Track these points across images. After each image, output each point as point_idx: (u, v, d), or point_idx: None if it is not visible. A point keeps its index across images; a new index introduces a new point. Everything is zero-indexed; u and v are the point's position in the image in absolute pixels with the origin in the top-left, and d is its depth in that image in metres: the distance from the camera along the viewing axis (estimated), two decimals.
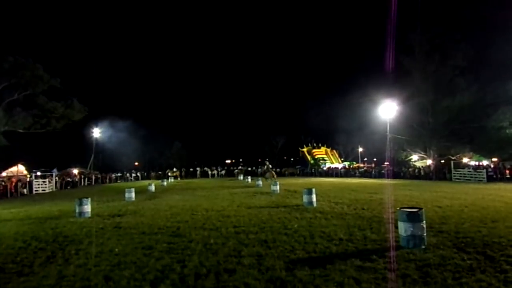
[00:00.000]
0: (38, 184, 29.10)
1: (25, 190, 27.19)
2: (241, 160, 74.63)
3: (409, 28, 32.89)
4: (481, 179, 25.84)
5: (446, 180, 28.65)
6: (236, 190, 22.22)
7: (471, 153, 34.80)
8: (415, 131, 34.11)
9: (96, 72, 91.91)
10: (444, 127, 32.41)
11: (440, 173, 31.07)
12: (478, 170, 28.34)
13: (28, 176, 33.06)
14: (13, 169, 35.51)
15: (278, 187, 18.98)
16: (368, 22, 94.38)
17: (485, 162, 34.38)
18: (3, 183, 26.73)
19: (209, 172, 52.43)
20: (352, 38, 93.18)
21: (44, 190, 28.78)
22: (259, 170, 41.94)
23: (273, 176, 28.78)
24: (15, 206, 16.81)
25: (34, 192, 27.68)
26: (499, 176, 26.53)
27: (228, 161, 70.01)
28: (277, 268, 5.39)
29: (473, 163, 35.20)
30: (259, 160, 70.59)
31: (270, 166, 35.16)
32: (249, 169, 53.48)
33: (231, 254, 6.32)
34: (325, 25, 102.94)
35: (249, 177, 35.03)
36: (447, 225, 8.28)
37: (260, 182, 25.36)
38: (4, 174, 33.30)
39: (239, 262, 5.80)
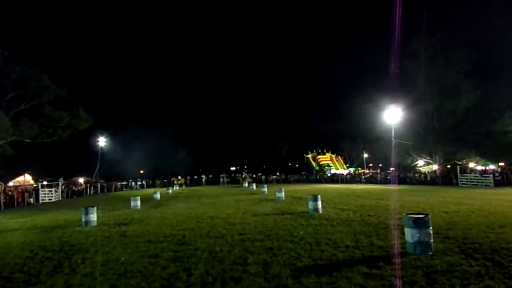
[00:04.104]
0: (45, 193, 29.25)
1: (31, 200, 27.35)
2: (245, 167, 74.61)
3: (413, 33, 32.97)
4: (488, 184, 25.58)
5: (453, 185, 28.39)
6: (241, 197, 22.19)
7: (477, 158, 34.54)
8: (421, 136, 33.96)
9: (101, 81, 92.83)
10: (450, 132, 32.25)
11: (446, 178, 30.80)
12: (484, 175, 28.07)
13: (35, 185, 33.29)
14: (20, 178, 35.86)
15: (283, 194, 18.91)
16: (371, 27, 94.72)
17: (491, 167, 34.10)
18: (10, 192, 26.95)
19: (221, 180, 52.49)
20: (356, 43, 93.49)
21: (50, 199, 28.92)
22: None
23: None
24: (22, 216, 16.91)
25: (40, 201, 27.83)
26: (506, 180, 26.24)
27: (232, 168, 69.97)
28: (283, 276, 5.37)
29: (479, 168, 34.90)
30: (264, 166, 70.61)
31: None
32: (254, 175, 53.51)
33: (237, 262, 6.31)
34: (329, 30, 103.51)
35: (254, 184, 35.03)
36: (454, 231, 8.21)
37: (266, 189, 25.32)
38: (11, 183, 33.60)
39: (245, 270, 5.79)
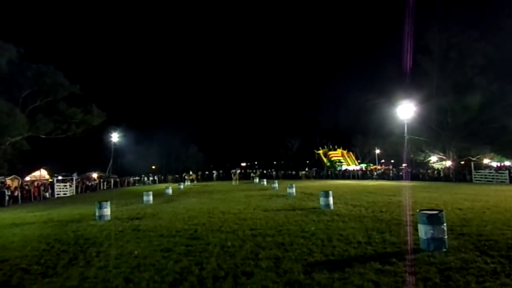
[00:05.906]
0: (60, 188, 29.83)
1: (47, 194, 27.90)
2: (256, 162, 74.70)
3: (426, 28, 32.35)
4: (503, 180, 25.12)
5: (467, 181, 27.94)
6: (252, 193, 22.24)
7: (492, 154, 33.87)
8: (434, 132, 33.43)
9: (114, 78, 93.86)
10: (464, 128, 31.64)
11: (460, 175, 30.33)
12: (500, 171, 27.57)
13: (50, 180, 33.96)
14: (36, 173, 36.61)
15: (294, 189, 18.88)
16: (384, 22, 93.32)
17: (507, 163, 33.42)
18: (27, 187, 27.54)
19: (232, 175, 52.80)
20: (369, 39, 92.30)
21: (65, 194, 29.49)
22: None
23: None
24: (38, 209, 17.29)
25: (56, 195, 28.39)
26: None
27: (243, 164, 70.13)
28: (295, 271, 5.38)
29: (494, 164, 34.25)
30: (274, 162, 70.51)
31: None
32: (265, 171, 53.53)
33: (249, 257, 6.34)
34: (342, 25, 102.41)
35: (265, 180, 35.06)
36: (469, 228, 8.10)
37: (276, 185, 25.31)
38: (27, 178, 34.33)
39: (256, 265, 5.82)
